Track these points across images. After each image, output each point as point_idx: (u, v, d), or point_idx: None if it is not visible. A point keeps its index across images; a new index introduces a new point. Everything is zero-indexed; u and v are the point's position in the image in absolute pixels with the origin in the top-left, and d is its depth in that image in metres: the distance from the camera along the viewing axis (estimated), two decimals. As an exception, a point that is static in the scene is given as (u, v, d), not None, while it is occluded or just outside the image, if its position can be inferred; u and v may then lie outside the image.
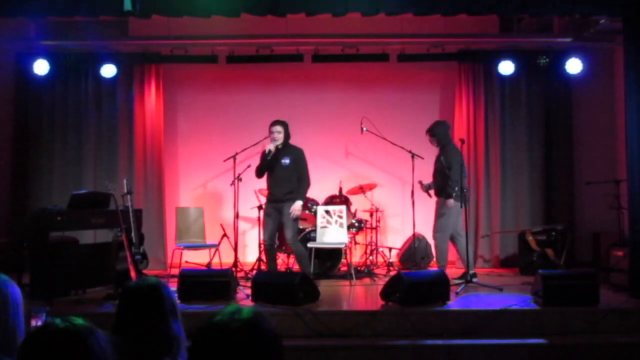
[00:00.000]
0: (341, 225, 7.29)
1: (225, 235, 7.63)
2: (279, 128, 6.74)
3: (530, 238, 7.65)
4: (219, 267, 7.04)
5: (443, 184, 6.89)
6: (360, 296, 6.52)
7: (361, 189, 8.02)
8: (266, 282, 5.94)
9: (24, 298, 2.12)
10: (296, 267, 7.09)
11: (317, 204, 7.77)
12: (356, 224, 7.93)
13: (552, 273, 5.92)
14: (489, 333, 5.24)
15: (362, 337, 5.23)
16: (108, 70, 8.09)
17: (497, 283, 6.70)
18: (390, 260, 8.01)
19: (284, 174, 6.74)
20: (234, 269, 6.80)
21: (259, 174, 6.85)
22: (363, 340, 5.19)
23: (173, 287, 5.60)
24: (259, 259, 7.35)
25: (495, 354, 5.02)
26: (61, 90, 8.46)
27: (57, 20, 7.87)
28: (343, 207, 7.42)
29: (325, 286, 6.44)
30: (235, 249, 7.09)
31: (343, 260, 7.33)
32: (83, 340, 1.50)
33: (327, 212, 7.39)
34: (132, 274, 5.97)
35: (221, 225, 7.80)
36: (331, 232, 7.29)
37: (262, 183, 7.03)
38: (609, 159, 8.21)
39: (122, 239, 6.09)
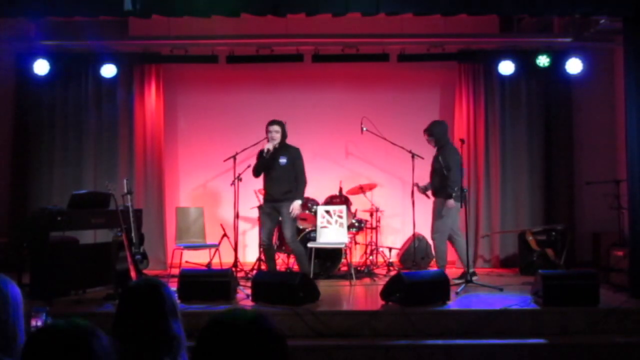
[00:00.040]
0: (341, 225, 7.29)
1: (225, 235, 7.64)
2: (276, 127, 6.76)
3: (530, 238, 7.65)
4: (219, 267, 7.05)
5: (441, 184, 6.89)
6: (360, 296, 6.53)
7: (361, 189, 8.02)
8: (266, 282, 5.94)
9: (24, 298, 2.12)
10: (296, 267, 7.09)
11: (317, 204, 7.77)
12: (356, 224, 7.94)
13: (552, 273, 5.92)
14: (489, 333, 5.25)
15: (362, 337, 5.24)
16: (108, 70, 8.09)
17: (497, 283, 6.70)
18: (390, 260, 8.01)
19: (282, 173, 6.75)
20: (234, 269, 6.80)
21: (257, 173, 6.87)
22: (363, 340, 5.19)
23: (173, 287, 5.59)
24: (259, 259, 7.35)
25: (495, 354, 5.02)
26: (61, 90, 8.46)
27: (57, 20, 7.87)
28: (343, 207, 7.42)
29: (325, 286, 6.44)
30: (235, 249, 7.09)
31: (343, 260, 7.34)
32: (85, 341, 1.50)
33: (327, 212, 7.39)
34: (132, 274, 5.97)
35: (221, 225, 7.80)
36: (331, 232, 7.29)
37: (262, 183, 7.03)
38: (609, 159, 8.21)
39: (122, 239, 6.08)
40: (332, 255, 7.31)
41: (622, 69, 6.47)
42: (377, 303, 5.73)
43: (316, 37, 7.95)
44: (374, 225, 7.99)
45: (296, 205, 6.70)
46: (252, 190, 7.71)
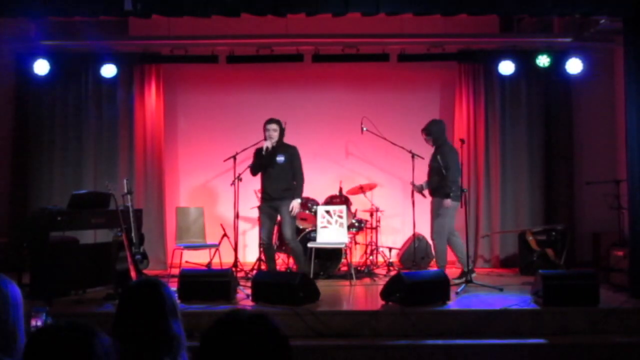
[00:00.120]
0: (341, 225, 7.29)
1: (225, 235, 7.64)
2: (274, 126, 6.78)
3: (530, 238, 7.64)
4: (219, 267, 7.05)
5: (440, 183, 6.88)
6: (360, 296, 6.53)
7: (361, 189, 8.02)
8: (266, 282, 5.94)
9: (24, 298, 2.12)
10: (296, 267, 7.10)
11: (317, 204, 7.77)
12: (356, 224, 7.94)
13: (552, 273, 5.92)
14: (489, 333, 5.25)
15: (362, 337, 5.24)
16: (108, 70, 8.08)
17: (497, 283, 6.70)
18: (390, 260, 8.01)
19: (279, 171, 6.78)
20: (234, 269, 6.81)
21: (254, 172, 6.89)
22: (363, 340, 5.19)
23: (173, 287, 5.59)
24: (259, 259, 7.35)
25: (495, 354, 5.02)
26: (61, 90, 8.45)
27: (57, 20, 7.87)
28: (343, 207, 7.42)
29: (325, 286, 6.44)
30: (235, 249, 7.09)
31: (343, 260, 7.33)
32: (86, 341, 1.50)
33: (327, 212, 7.39)
34: (132, 274, 5.98)
35: (221, 225, 7.80)
36: (331, 232, 7.29)
37: (259, 182, 7.04)
38: (609, 159, 8.20)
39: (122, 239, 6.09)
40: (332, 255, 7.31)
41: (622, 69, 6.47)
42: (377, 303, 5.73)
43: (316, 37, 7.95)
44: (374, 225, 7.99)
45: (296, 204, 6.74)
46: (252, 190, 7.70)
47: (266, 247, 6.89)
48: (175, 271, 6.64)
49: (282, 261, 7.71)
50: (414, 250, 7.58)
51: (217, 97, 8.91)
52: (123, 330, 2.08)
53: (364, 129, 7.79)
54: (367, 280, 7.22)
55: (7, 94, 8.46)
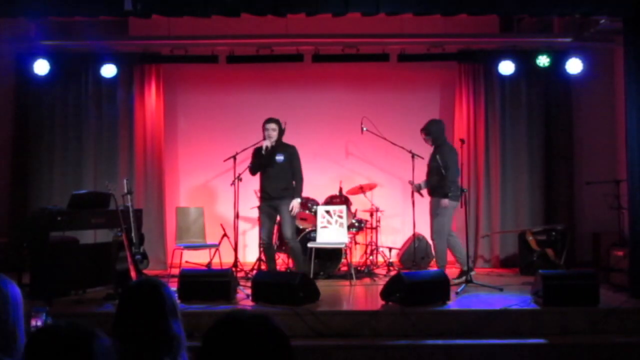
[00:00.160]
0: (341, 225, 7.29)
1: (225, 235, 7.63)
2: (273, 125, 6.79)
3: (530, 238, 7.64)
4: (219, 267, 7.05)
5: (439, 183, 6.88)
6: (360, 296, 6.53)
7: (361, 189, 8.02)
8: (266, 282, 5.94)
9: (24, 298, 2.12)
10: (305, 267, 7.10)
11: (317, 204, 7.77)
12: (356, 224, 7.94)
13: (552, 273, 5.93)
14: (489, 333, 5.25)
15: (362, 337, 5.24)
16: (108, 70, 8.08)
17: (497, 283, 6.70)
18: (390, 260, 8.01)
19: (279, 171, 6.79)
20: (234, 269, 6.81)
21: (254, 171, 6.89)
22: (363, 340, 5.19)
23: (173, 287, 5.59)
24: (259, 259, 7.35)
25: (495, 354, 5.03)
26: (61, 90, 8.45)
27: (57, 20, 7.87)
28: (343, 207, 7.42)
29: (325, 286, 6.44)
30: (235, 249, 7.10)
31: (343, 260, 7.33)
32: (86, 342, 1.50)
33: (328, 212, 7.39)
34: (132, 274, 5.98)
35: (221, 225, 7.79)
36: (331, 232, 7.29)
37: (258, 182, 7.04)
38: (609, 159, 8.20)
39: (122, 239, 6.09)
40: (332, 255, 7.31)
41: (622, 69, 6.47)
42: (377, 303, 5.74)
43: (316, 37, 7.95)
44: (374, 225, 7.99)
45: (296, 204, 6.76)
46: (252, 190, 7.70)
47: (266, 247, 6.89)
48: (175, 271, 6.64)
49: (282, 261, 7.71)
50: (414, 250, 7.58)
51: (217, 97, 8.91)
52: (123, 330, 2.08)
53: (364, 129, 7.79)
54: (367, 280, 7.22)
55: (7, 94, 8.46)
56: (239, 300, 5.96)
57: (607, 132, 8.33)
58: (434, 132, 7.03)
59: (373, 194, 8.15)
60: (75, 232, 6.62)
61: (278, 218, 6.95)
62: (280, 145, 6.86)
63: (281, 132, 6.88)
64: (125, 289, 2.26)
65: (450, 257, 7.10)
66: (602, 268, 7.05)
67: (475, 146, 8.48)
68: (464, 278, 6.62)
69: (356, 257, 8.19)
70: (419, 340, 5.14)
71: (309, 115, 8.66)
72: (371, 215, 7.99)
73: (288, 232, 6.79)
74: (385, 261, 7.95)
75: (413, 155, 7.36)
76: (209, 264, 7.59)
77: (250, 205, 7.89)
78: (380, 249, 8.07)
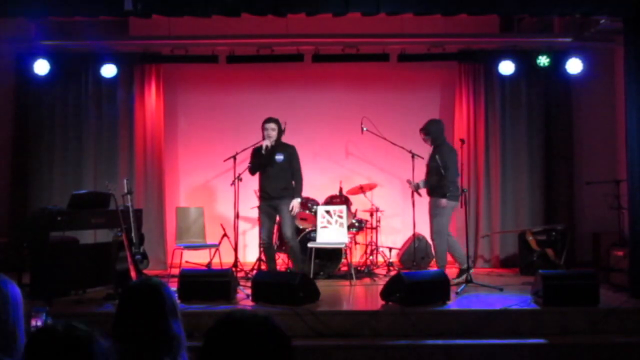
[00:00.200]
0: (341, 225, 7.29)
1: (225, 235, 7.63)
2: (272, 125, 6.80)
3: (530, 238, 7.64)
4: (219, 267, 7.05)
5: (437, 183, 6.87)
6: (360, 296, 6.53)
7: (361, 189, 8.02)
8: (266, 282, 5.94)
9: (24, 298, 2.12)
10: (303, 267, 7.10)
11: (317, 204, 7.77)
12: (356, 224, 7.94)
13: (552, 273, 5.93)
14: (489, 333, 5.25)
15: (362, 337, 5.24)
16: (108, 70, 8.08)
17: (497, 283, 6.70)
18: (390, 260, 8.01)
19: (278, 170, 6.80)
20: (234, 269, 6.81)
21: (254, 170, 6.90)
22: (363, 340, 5.19)
23: (173, 287, 5.60)
24: (259, 259, 7.35)
25: (495, 354, 5.02)
26: (61, 90, 8.45)
27: (57, 20, 7.87)
28: (343, 207, 7.42)
29: (325, 286, 6.44)
30: (236, 249, 7.10)
31: (343, 260, 7.33)
32: (85, 344, 1.50)
33: (328, 212, 7.39)
34: (132, 274, 5.97)
35: (221, 225, 7.79)
36: (331, 232, 7.29)
37: (258, 181, 7.04)
38: (609, 159, 8.20)
39: (122, 239, 6.09)
40: (332, 255, 7.31)
41: (622, 69, 6.47)
42: (377, 303, 5.74)
43: (316, 37, 7.95)
44: (374, 225, 7.99)
45: (296, 204, 6.78)
46: (252, 190, 7.70)
47: (266, 247, 6.90)
48: (175, 271, 6.64)
49: (282, 261, 7.71)
50: (414, 250, 7.58)
51: (217, 97, 8.91)
52: (123, 330, 2.08)
53: (364, 129, 7.79)
54: (367, 280, 7.22)
55: (7, 94, 8.46)
56: (239, 300, 5.96)
57: (607, 132, 8.33)
58: (433, 132, 7.03)
59: (373, 194, 8.15)
60: (75, 232, 6.61)
61: (277, 218, 6.95)
62: (279, 145, 6.87)
63: (280, 131, 6.89)
64: (125, 289, 2.26)
65: (449, 257, 7.10)
66: (602, 268, 7.05)
67: (475, 146, 8.48)
68: (463, 277, 6.62)
69: (356, 257, 8.19)
70: (419, 340, 5.14)
71: (309, 115, 8.65)
72: (371, 215, 7.99)
73: (288, 231, 6.80)
74: (385, 261, 7.95)
75: (413, 155, 7.35)
76: (209, 264, 7.59)
77: (250, 205, 7.89)
78: (380, 249, 8.07)
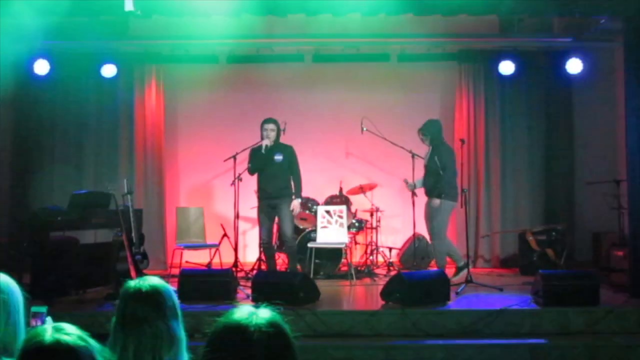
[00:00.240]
0: (341, 225, 7.29)
1: (225, 235, 7.63)
2: (272, 126, 6.81)
3: (530, 238, 7.64)
4: (219, 267, 7.05)
5: (435, 184, 6.87)
6: (360, 296, 6.53)
7: (361, 189, 8.02)
8: (266, 282, 5.95)
9: (24, 298, 2.12)
10: (297, 267, 7.10)
11: (317, 204, 7.77)
12: (356, 224, 7.93)
13: (552, 273, 5.92)
14: (489, 333, 5.25)
15: (362, 337, 5.24)
16: (108, 70, 8.08)
17: (497, 283, 6.71)
18: (391, 260, 8.01)
19: (277, 170, 6.81)
20: (234, 268, 6.81)
21: (253, 170, 6.91)
22: (363, 340, 5.19)
23: (173, 287, 5.59)
24: (259, 259, 7.35)
25: (495, 354, 5.02)
26: (61, 90, 8.45)
27: (57, 20, 7.86)
28: (343, 207, 7.42)
29: (325, 286, 6.43)
30: (236, 249, 7.09)
31: (343, 260, 7.33)
32: (72, 356, 1.47)
33: (328, 212, 7.39)
34: (133, 273, 5.97)
35: (221, 225, 7.79)
36: (331, 232, 7.29)
37: (256, 182, 7.04)
38: (609, 159, 8.20)
39: (122, 239, 6.09)
40: (332, 255, 7.31)
41: (622, 69, 6.47)
42: (377, 303, 5.74)
43: (316, 37, 7.94)
44: (374, 225, 7.99)
45: (296, 204, 6.79)
46: (252, 190, 7.70)
47: (266, 247, 6.90)
48: (176, 271, 6.64)
49: (282, 261, 7.71)
50: (414, 250, 7.58)
51: (217, 97, 8.90)
52: (123, 330, 2.08)
53: (364, 129, 7.78)
54: (367, 280, 7.22)
55: (7, 94, 8.44)
56: (239, 301, 5.96)
57: (607, 132, 8.33)
58: (431, 132, 7.03)
59: (373, 194, 8.15)
60: (75, 232, 6.61)
61: (276, 218, 6.95)
62: (278, 146, 6.87)
63: (279, 132, 6.89)
64: (125, 289, 2.25)
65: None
66: (602, 268, 7.05)
67: (475, 146, 8.48)
68: (460, 274, 6.64)
69: (356, 257, 8.19)
70: (419, 340, 5.14)
71: (309, 115, 8.65)
72: (371, 215, 7.99)
73: (288, 231, 6.80)
74: (385, 261, 7.95)
75: (413, 155, 7.35)
76: (209, 264, 7.59)
77: (250, 205, 7.88)
78: (380, 249, 8.07)
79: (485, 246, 8.44)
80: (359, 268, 7.60)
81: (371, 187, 8.11)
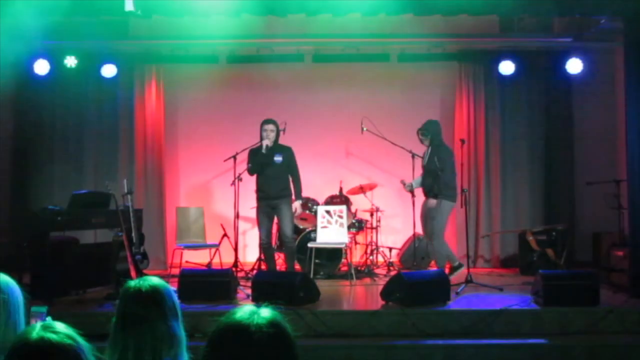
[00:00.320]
0: (341, 225, 7.29)
1: (225, 235, 7.64)
2: (271, 126, 6.81)
3: (530, 238, 7.64)
4: (219, 267, 7.05)
5: (433, 184, 6.86)
6: (360, 296, 6.53)
7: (361, 189, 8.02)
8: (266, 282, 5.95)
9: (24, 298, 2.12)
10: (297, 267, 7.10)
11: (317, 204, 7.77)
12: (356, 224, 7.93)
13: (552, 273, 5.93)
14: (489, 333, 5.25)
15: (362, 337, 5.24)
16: (108, 70, 8.09)
17: (497, 283, 6.70)
18: (391, 260, 8.01)
19: (277, 171, 6.81)
20: (234, 268, 6.82)
21: (253, 171, 6.91)
22: (363, 340, 5.19)
23: (173, 287, 5.59)
24: (259, 259, 7.36)
25: (495, 354, 5.02)
26: (61, 90, 8.46)
27: (57, 20, 7.86)
28: (343, 207, 7.42)
29: (325, 286, 6.43)
30: (236, 249, 7.10)
31: (343, 260, 7.34)
32: (56, 354, 1.47)
33: (328, 212, 7.39)
34: (133, 273, 5.97)
35: (221, 225, 7.79)
36: (331, 232, 7.29)
37: (255, 182, 7.04)
38: (609, 159, 8.20)
39: (122, 238, 6.09)
40: (332, 255, 7.31)
41: (622, 69, 6.47)
42: (377, 303, 5.74)
43: (316, 37, 7.94)
44: (374, 225, 7.99)
45: (297, 205, 6.81)
46: (253, 191, 7.70)
47: (266, 247, 6.90)
48: (176, 271, 6.64)
49: (282, 261, 7.71)
50: (414, 250, 7.58)
51: (217, 97, 8.91)
52: (123, 330, 2.08)
53: (364, 129, 7.78)
54: (367, 280, 7.22)
55: (7, 94, 8.45)
56: (239, 300, 5.96)
57: (607, 132, 8.33)
58: (432, 132, 7.03)
59: (373, 194, 8.15)
60: (75, 232, 6.62)
61: (275, 218, 6.95)
62: (277, 147, 6.86)
63: (278, 133, 6.89)
64: (125, 289, 2.25)
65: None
66: (602, 268, 7.05)
67: (475, 146, 8.48)
68: (455, 274, 6.64)
69: (356, 257, 8.19)
70: (419, 340, 5.14)
71: (309, 115, 8.65)
72: (371, 215, 7.99)
73: (288, 231, 6.80)
74: (385, 261, 7.95)
75: (413, 155, 7.36)
76: (209, 264, 7.59)
77: (250, 205, 7.86)
78: (380, 249, 8.07)
79: (485, 246, 8.44)
80: (359, 268, 7.61)
81: (371, 187, 8.11)
